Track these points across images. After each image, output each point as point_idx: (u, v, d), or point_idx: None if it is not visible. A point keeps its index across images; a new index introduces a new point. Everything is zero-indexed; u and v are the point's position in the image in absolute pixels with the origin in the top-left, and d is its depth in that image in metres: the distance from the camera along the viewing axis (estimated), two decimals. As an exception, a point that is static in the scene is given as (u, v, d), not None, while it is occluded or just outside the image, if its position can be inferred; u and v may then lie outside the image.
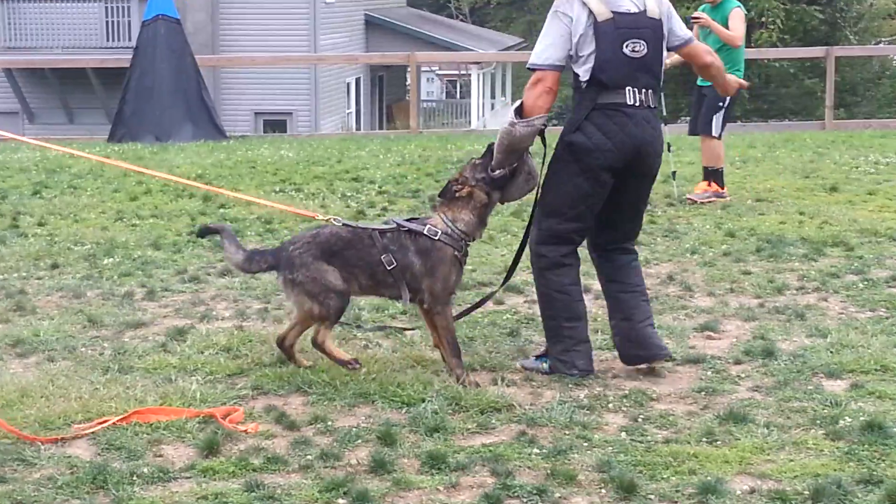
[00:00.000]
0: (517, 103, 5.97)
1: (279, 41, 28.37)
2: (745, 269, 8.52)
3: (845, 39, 28.13)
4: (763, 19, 27.86)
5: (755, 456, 4.89)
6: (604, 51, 5.81)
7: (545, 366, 6.05)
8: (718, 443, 5.05)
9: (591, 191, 5.94)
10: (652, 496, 4.50)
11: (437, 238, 5.89)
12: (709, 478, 4.60)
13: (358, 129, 31.03)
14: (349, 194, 11.74)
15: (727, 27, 11.32)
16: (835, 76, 20.93)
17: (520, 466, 4.79)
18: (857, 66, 29.06)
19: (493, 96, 39.41)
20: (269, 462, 4.82)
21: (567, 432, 5.18)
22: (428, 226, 5.94)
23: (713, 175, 11.60)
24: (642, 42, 5.83)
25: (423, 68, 38.98)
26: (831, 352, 6.34)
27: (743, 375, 6.03)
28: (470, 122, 34.82)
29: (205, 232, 6.79)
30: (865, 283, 7.92)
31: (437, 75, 44.11)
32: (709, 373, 6.07)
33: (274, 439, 5.11)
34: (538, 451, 4.94)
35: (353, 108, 32.55)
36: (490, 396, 5.57)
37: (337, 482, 4.58)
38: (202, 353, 6.33)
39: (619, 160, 5.88)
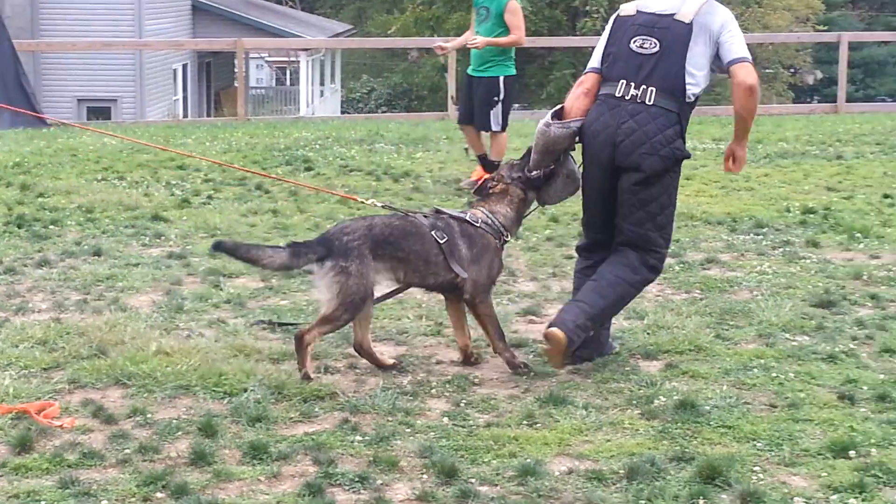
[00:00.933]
0: (558, 105, 6.09)
1: (103, 26, 27.66)
2: (568, 253, 8.65)
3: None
4: (587, 8, 28.36)
5: (573, 437, 4.99)
6: (612, 44, 5.93)
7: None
8: (539, 425, 5.13)
9: (588, 181, 6.00)
10: (473, 480, 4.55)
11: (478, 225, 5.95)
12: (528, 460, 4.68)
13: (185, 116, 30.51)
14: (174, 182, 11.53)
15: (503, 19, 11.07)
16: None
17: (342, 454, 4.79)
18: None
19: (322, 83, 39.21)
20: (86, 457, 4.71)
21: (390, 419, 5.19)
22: (469, 213, 6.03)
23: (487, 163, 11.38)
24: (653, 40, 5.80)
25: (252, 55, 38.57)
26: (648, 333, 6.51)
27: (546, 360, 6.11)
28: (299, 109, 34.58)
29: (217, 248, 5.98)
30: (681, 265, 8.14)
31: (267, 62, 43.67)
32: (530, 356, 6.16)
33: (91, 434, 5.00)
34: (361, 438, 4.95)
35: (180, 95, 31.99)
36: (313, 384, 5.55)
37: (155, 475, 4.50)
38: (16, 346, 6.13)
39: (597, 148, 5.87)
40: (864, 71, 37.71)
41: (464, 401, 5.45)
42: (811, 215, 9.83)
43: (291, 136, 15.39)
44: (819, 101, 26.07)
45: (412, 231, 5.87)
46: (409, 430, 5.06)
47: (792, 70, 37.55)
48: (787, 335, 6.48)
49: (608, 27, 6.06)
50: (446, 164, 13.05)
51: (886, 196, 10.79)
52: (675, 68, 5.75)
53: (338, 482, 4.52)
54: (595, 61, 6.02)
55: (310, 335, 5.70)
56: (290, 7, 45.58)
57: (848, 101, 22.60)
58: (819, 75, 37.42)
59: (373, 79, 36.96)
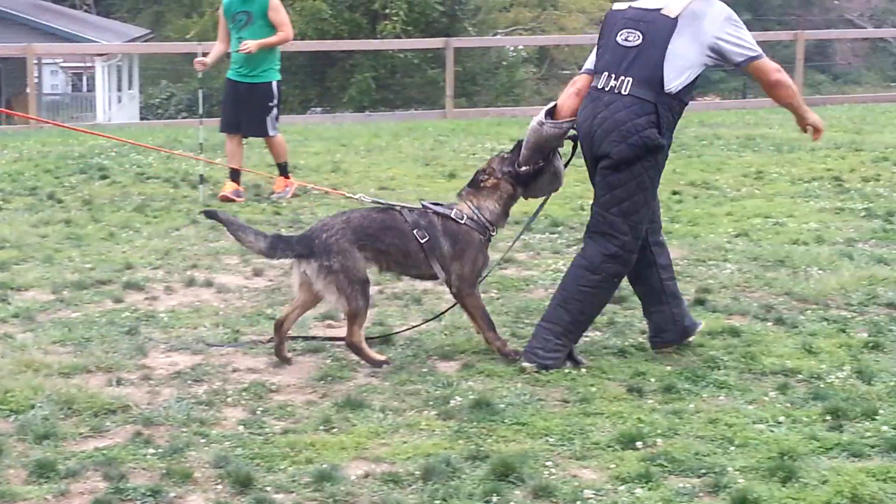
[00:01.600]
0: (552, 104, 6.08)
1: None
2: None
3: (465, 31, 29.16)
4: (387, 11, 28.46)
5: (370, 440, 4.99)
6: (602, 38, 6.02)
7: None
8: (335, 430, 5.12)
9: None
10: (269, 488, 4.51)
11: (462, 221, 6.02)
12: (325, 465, 4.66)
13: (-26, 124, 29.40)
14: (-41, 194, 11.11)
15: (268, 20, 10.98)
16: (455, 66, 21.65)
17: (134, 468, 4.69)
18: (477, 57, 30.18)
19: (119, 89, 38.33)
20: None
21: (184, 430, 5.11)
22: (455, 210, 6.08)
23: (283, 169, 11.42)
24: (637, 33, 5.85)
25: (45, 60, 37.43)
26: (445, 334, 6.57)
27: (361, 362, 6.13)
28: (96, 115, 33.71)
29: (211, 216, 6.40)
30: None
31: (62, 68, 42.45)
32: (329, 361, 6.15)
33: None
34: (154, 451, 4.85)
35: (-33, 103, 30.84)
36: (104, 398, 5.42)
37: (-65, 500, 4.33)
38: None
39: (582, 139, 6.00)
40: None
41: (260, 408, 5.40)
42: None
43: (87, 143, 14.99)
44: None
45: (391, 224, 6.03)
46: (203, 441, 4.98)
47: (588, 71, 38.52)
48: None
49: (603, 23, 6.16)
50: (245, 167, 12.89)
51: (675, 193, 11.15)
52: (654, 60, 5.81)
53: (129, 497, 4.43)
54: (589, 62, 6.12)
55: (356, 337, 5.95)
56: (85, 11, 44.42)
57: (640, 100, 23.29)
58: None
59: (172, 84, 36.30)
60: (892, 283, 7.55)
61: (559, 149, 6.24)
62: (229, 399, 5.54)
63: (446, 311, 6.65)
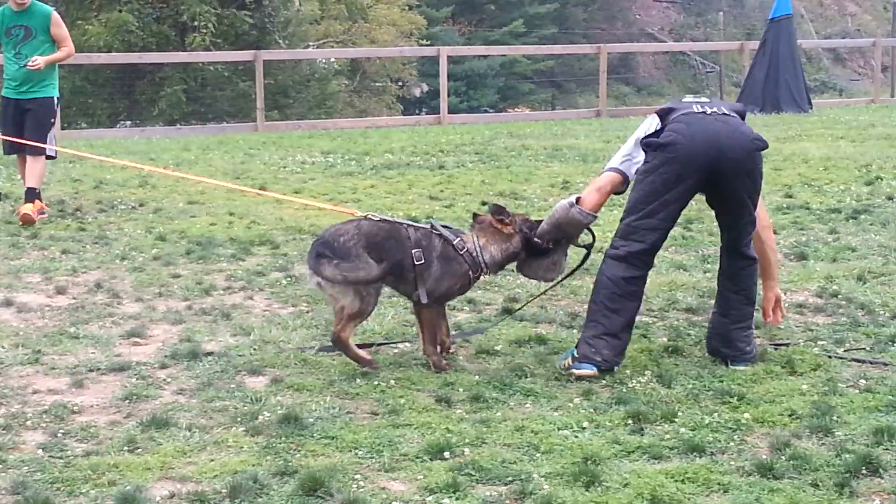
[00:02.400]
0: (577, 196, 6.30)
1: None
2: (175, 272, 8.55)
3: (275, 44, 28.98)
4: (195, 23, 28.07)
5: (177, 459, 4.90)
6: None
7: (567, 360, 6.05)
8: (140, 450, 5.01)
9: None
10: (69, 512, 4.39)
11: (461, 252, 6.10)
12: (129, 487, 4.55)
13: None
14: None
15: (48, 34, 10.70)
16: (266, 79, 21.53)
17: (-74, 497, 4.50)
18: (288, 70, 30.03)
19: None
20: None
21: (-20, 456, 4.93)
22: (459, 238, 6.14)
23: (36, 195, 10.73)
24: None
25: None
26: (254, 349, 6.51)
27: (168, 379, 6.03)
28: None
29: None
30: (289, 279, 8.21)
31: None
32: (134, 380, 6.02)
33: None
34: (-53, 478, 4.67)
35: None
36: None
37: None
38: None
39: None
40: (468, 83, 39.30)
41: (61, 431, 5.25)
42: (433, 218, 10.09)
43: None
44: (427, 113, 26.88)
45: (395, 236, 6.08)
46: (0, 466, 4.81)
47: (400, 83, 38.66)
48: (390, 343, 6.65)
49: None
50: (49, 184, 12.55)
51: (484, 203, 11.28)
52: None
53: (-79, 528, 4.25)
54: (615, 161, 6.37)
55: (345, 333, 5.97)
56: None
57: (451, 112, 23.54)
58: (425, 88, 38.74)
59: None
60: (690, 288, 7.80)
61: (572, 244, 6.36)
62: (28, 422, 5.36)
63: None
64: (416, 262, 6.06)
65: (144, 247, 9.42)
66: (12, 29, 10.68)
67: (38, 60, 10.54)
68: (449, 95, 23.12)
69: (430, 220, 6.42)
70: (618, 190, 6.37)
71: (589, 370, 5.92)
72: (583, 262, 6.62)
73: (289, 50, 28.98)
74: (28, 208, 10.52)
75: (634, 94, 42.62)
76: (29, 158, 10.77)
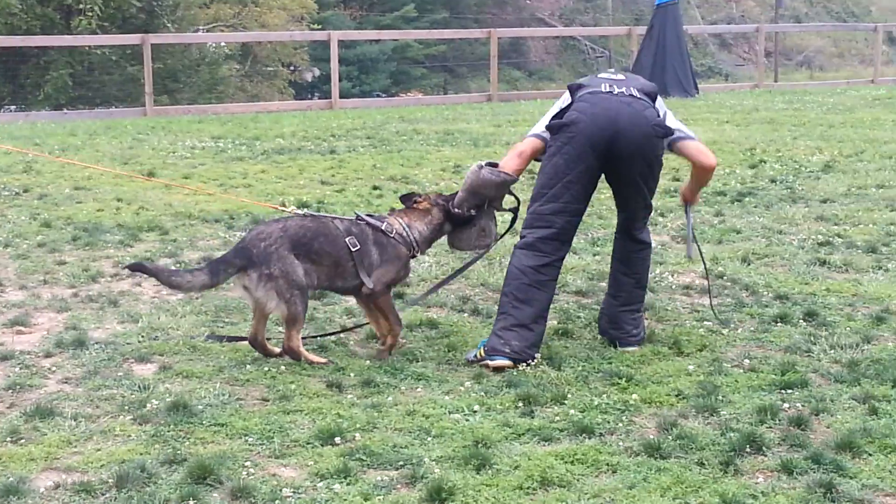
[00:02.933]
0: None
1: None
2: (61, 259, 8.40)
3: (164, 27, 28.51)
4: (81, 6, 27.50)
5: (62, 449, 4.82)
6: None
7: (478, 351, 5.98)
8: (24, 441, 4.91)
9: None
10: (-50, 505, 4.29)
11: (392, 235, 6.09)
12: (11, 478, 4.47)
13: None
14: None
15: None
16: (154, 63, 21.19)
17: None
18: (178, 54, 29.52)
19: None
20: None
21: None
22: (386, 222, 6.14)
23: None
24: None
25: None
26: (142, 336, 6.42)
27: (53, 368, 5.92)
28: None
29: (137, 268, 6.21)
30: (178, 265, 8.09)
31: None
32: (17, 369, 5.90)
33: None
34: None
35: None
36: None
37: None
38: None
39: None
40: (360, 68, 39.10)
41: (-58, 422, 5.13)
42: (305, 209, 10.06)
43: None
44: (319, 98, 26.78)
45: (325, 232, 6.02)
46: None
47: (292, 67, 38.34)
48: (281, 329, 6.60)
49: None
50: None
51: (375, 188, 11.28)
52: None
53: None
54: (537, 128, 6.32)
55: (293, 342, 5.91)
56: None
57: (343, 97, 23.42)
58: (317, 72, 38.46)
59: None
60: (580, 271, 7.87)
61: (495, 209, 6.28)
62: None
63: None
64: (353, 249, 6.02)
65: (29, 233, 9.23)
66: None
67: None
68: (341, 80, 22.97)
69: (355, 212, 6.37)
70: (538, 157, 6.32)
71: (504, 361, 5.87)
72: (511, 224, 6.58)
73: (178, 34, 28.54)
74: None
75: (525, 79, 42.84)
76: None
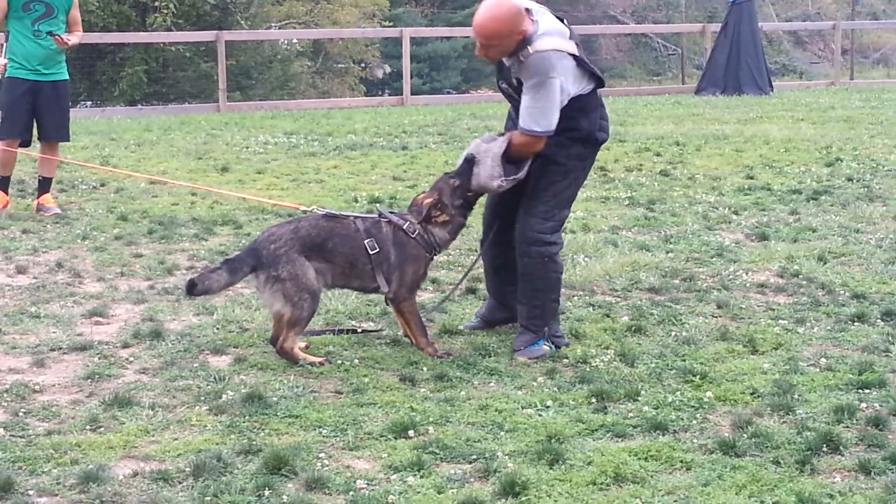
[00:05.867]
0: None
1: None
2: (137, 251, 8.51)
3: (237, 24, 28.76)
4: (157, 3, 27.83)
5: (139, 438, 4.88)
6: None
7: (547, 346, 6.07)
8: (103, 429, 4.99)
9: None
10: (31, 491, 4.36)
11: (413, 236, 5.96)
12: (91, 466, 4.53)
13: None
14: None
15: (66, 15, 10.03)
16: (228, 60, 21.40)
17: None
18: (251, 50, 29.80)
19: None
20: None
21: (-60, 435, 4.89)
22: (408, 223, 5.99)
23: (48, 184, 10.30)
24: None
25: None
26: (217, 328, 6.49)
27: (131, 358, 6.00)
28: None
29: (192, 291, 5.93)
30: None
31: None
32: (96, 359, 5.98)
33: None
34: None
35: None
36: None
37: None
38: None
39: None
40: (430, 65, 39.18)
41: (23, 410, 5.22)
42: (378, 204, 10.12)
43: None
44: (390, 94, 26.96)
45: (341, 233, 5.95)
46: (-41, 447, 4.78)
47: (363, 64, 38.49)
48: (354, 322, 6.64)
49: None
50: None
51: (447, 184, 11.28)
52: None
53: None
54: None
55: (288, 343, 5.83)
56: None
57: (414, 93, 23.48)
58: (388, 69, 38.60)
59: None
60: (653, 268, 7.83)
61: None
62: (-10, 401, 5.33)
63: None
64: (371, 252, 5.96)
65: (106, 226, 9.36)
66: (32, 3, 9.90)
67: (72, 38, 10.02)
68: (412, 77, 23.05)
69: (377, 209, 6.29)
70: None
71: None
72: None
73: (251, 31, 28.78)
74: (47, 199, 10.14)
75: (597, 77, 42.63)
76: (48, 146, 10.20)
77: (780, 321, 6.59)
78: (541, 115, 5.79)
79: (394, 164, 12.78)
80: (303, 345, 6.06)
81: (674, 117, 17.81)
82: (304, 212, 6.42)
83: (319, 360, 5.89)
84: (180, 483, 4.44)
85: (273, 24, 33.26)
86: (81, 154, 13.42)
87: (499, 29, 5.76)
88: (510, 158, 5.98)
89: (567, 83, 5.83)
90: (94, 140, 14.91)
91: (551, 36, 5.82)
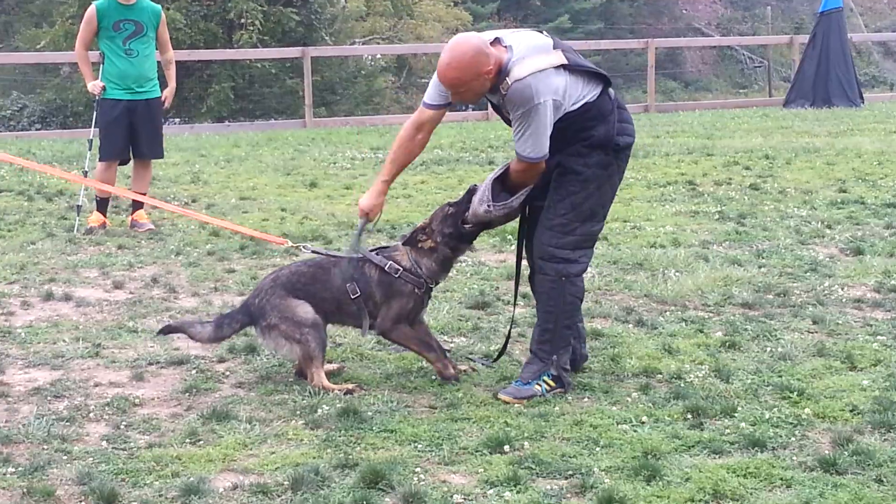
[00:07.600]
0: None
1: None
2: (229, 267, 8.61)
3: (322, 40, 29.06)
4: (243, 20, 28.20)
5: (238, 452, 4.94)
6: None
7: (541, 387, 5.65)
8: (202, 442, 5.05)
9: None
10: (135, 503, 4.43)
11: (397, 276, 5.86)
12: (192, 478, 4.59)
13: None
14: None
15: (156, 32, 10.26)
16: (313, 76, 21.59)
17: (-6, 488, 4.56)
18: (335, 66, 30.08)
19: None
20: None
21: (45, 447, 4.99)
22: (390, 262, 5.89)
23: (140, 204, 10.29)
24: None
25: None
26: (311, 343, 6.53)
27: (227, 373, 6.08)
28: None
29: (168, 331, 6.18)
30: (343, 274, 8.21)
31: None
32: (193, 373, 6.07)
33: None
34: (14, 469, 4.72)
35: None
36: (-40, 417, 5.26)
37: None
38: None
39: None
40: (514, 79, 39.31)
41: (124, 423, 5.31)
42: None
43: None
44: (474, 109, 26.98)
45: (322, 278, 5.93)
46: (66, 458, 4.87)
47: (446, 80, 38.66)
48: (446, 337, 6.66)
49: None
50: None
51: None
52: None
53: (-11, 518, 4.31)
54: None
55: (317, 379, 5.76)
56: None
57: (499, 108, 23.48)
58: (471, 84, 38.73)
59: (24, 95, 35.50)
60: (745, 283, 7.75)
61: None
62: (91, 414, 5.43)
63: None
64: (353, 296, 5.87)
65: (198, 242, 9.49)
66: (122, 23, 10.05)
67: (169, 94, 10.50)
68: (496, 91, 23.04)
69: (362, 250, 6.05)
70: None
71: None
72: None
73: (336, 46, 29.05)
74: (140, 215, 10.28)
75: (682, 90, 42.31)
76: (141, 164, 10.32)
77: (879, 337, 6.49)
78: (533, 141, 5.50)
79: (480, 178, 12.61)
80: (334, 367, 6.06)
81: (762, 130, 17.64)
82: (293, 247, 6.69)
83: (350, 387, 5.76)
84: (279, 496, 4.49)
85: (357, 40, 33.51)
86: (173, 171, 13.62)
87: (459, 77, 5.51)
88: (509, 186, 5.78)
89: (559, 97, 5.52)
90: (184, 156, 15.13)
91: (529, 58, 5.48)
